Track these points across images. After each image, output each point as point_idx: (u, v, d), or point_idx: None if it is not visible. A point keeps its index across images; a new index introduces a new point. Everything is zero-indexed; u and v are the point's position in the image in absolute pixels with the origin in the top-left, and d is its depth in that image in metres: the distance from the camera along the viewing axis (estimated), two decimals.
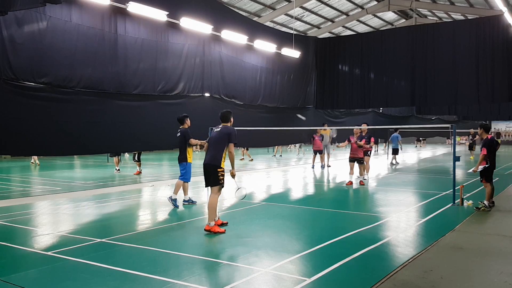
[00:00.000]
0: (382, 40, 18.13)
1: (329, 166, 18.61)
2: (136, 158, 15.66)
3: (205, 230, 6.78)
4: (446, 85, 16.20)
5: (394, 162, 20.58)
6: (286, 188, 12.90)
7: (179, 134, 9.18)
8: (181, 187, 9.17)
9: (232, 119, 7.23)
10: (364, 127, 13.64)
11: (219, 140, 6.92)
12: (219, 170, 6.79)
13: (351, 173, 12.88)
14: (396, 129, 21.07)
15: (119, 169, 16.15)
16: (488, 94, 15.64)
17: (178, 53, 12.67)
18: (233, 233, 6.83)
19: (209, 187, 6.98)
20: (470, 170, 9.27)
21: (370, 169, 14.49)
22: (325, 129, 18.26)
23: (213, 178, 6.82)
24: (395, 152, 20.80)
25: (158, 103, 12.11)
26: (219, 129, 7.07)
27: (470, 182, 12.75)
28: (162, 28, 12.05)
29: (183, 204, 9.24)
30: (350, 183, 12.73)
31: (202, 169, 6.98)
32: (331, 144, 18.92)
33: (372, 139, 13.63)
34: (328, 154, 18.83)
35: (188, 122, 9.26)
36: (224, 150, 6.91)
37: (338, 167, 18.70)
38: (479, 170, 8.77)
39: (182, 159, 9.17)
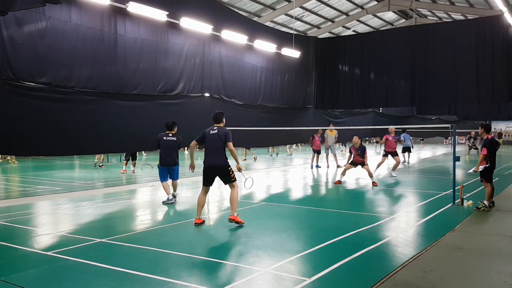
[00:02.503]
0: (382, 40, 18.13)
1: (339, 166, 18.46)
2: (125, 158, 16.05)
3: (229, 219, 7.17)
4: (446, 85, 16.21)
5: (407, 161, 20.54)
6: (286, 188, 12.89)
7: (174, 138, 9.44)
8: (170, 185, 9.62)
9: (224, 120, 7.57)
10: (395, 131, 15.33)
11: (218, 141, 7.27)
12: (229, 169, 7.29)
13: (344, 174, 13.20)
14: (404, 129, 20.90)
15: (98, 165, 17.58)
16: (488, 94, 15.64)
17: (178, 53, 12.66)
18: (233, 233, 6.83)
19: (207, 186, 7.46)
20: (470, 170, 9.26)
21: (399, 164, 15.55)
22: (331, 130, 18.16)
23: (227, 178, 7.34)
24: (407, 150, 20.51)
25: (157, 103, 12.10)
26: (215, 131, 7.36)
27: (470, 182, 12.75)
28: (162, 28, 12.04)
29: (171, 200, 9.50)
30: (339, 182, 13.00)
31: (205, 171, 7.35)
32: (335, 145, 18.88)
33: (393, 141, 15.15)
34: (335, 155, 18.63)
35: (175, 128, 9.60)
36: (225, 150, 7.34)
37: (342, 166, 18.65)
38: (479, 170, 8.77)
39: (177, 163, 9.66)
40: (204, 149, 7.45)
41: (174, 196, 9.65)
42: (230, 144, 7.23)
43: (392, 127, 15.52)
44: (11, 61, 8.84)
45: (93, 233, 6.73)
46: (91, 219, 8.10)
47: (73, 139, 10.36)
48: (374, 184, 12.52)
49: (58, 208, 9.03)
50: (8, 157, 19.95)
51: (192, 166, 7.60)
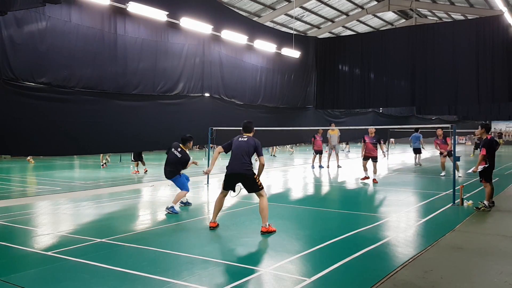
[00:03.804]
0: (382, 40, 18.13)
1: (340, 166, 18.50)
2: (133, 158, 15.94)
3: (262, 232, 6.72)
4: (446, 85, 16.20)
5: (417, 162, 20.12)
6: (286, 188, 12.89)
7: (180, 155, 8.58)
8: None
9: (254, 130, 7.35)
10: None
11: (247, 149, 7.00)
12: (255, 178, 6.94)
13: (365, 169, 13.11)
14: (416, 129, 20.56)
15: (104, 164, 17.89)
16: (488, 94, 15.63)
17: (178, 53, 12.67)
18: (233, 233, 6.83)
19: (226, 190, 7.10)
20: (470, 170, 9.27)
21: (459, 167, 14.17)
22: (333, 129, 18.15)
23: (254, 186, 6.97)
24: (417, 151, 20.09)
25: (157, 103, 12.11)
26: (245, 138, 7.12)
27: (470, 182, 12.75)
28: (162, 28, 12.05)
29: (180, 206, 8.91)
30: (366, 178, 12.95)
31: (226, 176, 6.99)
32: (341, 144, 18.78)
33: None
34: (337, 155, 18.62)
35: (190, 145, 8.84)
36: (250, 159, 7.07)
37: (342, 167, 18.65)
38: (479, 170, 8.77)
39: (174, 174, 8.65)
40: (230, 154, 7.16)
41: (168, 208, 8.40)
42: (262, 158, 7.02)
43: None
44: (11, 61, 8.85)
45: (93, 233, 6.72)
46: (91, 219, 8.10)
47: (73, 139, 10.36)
48: (374, 181, 12.77)
49: (58, 208, 9.03)
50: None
51: (208, 171, 7.39)
